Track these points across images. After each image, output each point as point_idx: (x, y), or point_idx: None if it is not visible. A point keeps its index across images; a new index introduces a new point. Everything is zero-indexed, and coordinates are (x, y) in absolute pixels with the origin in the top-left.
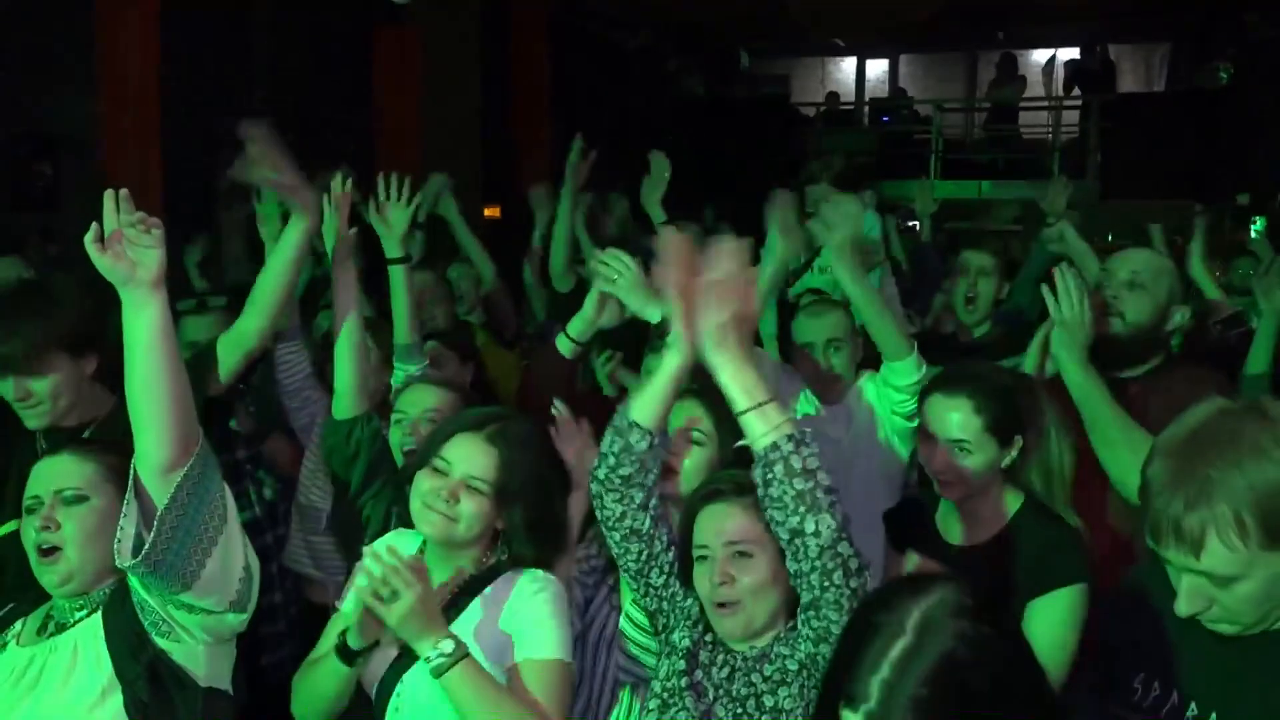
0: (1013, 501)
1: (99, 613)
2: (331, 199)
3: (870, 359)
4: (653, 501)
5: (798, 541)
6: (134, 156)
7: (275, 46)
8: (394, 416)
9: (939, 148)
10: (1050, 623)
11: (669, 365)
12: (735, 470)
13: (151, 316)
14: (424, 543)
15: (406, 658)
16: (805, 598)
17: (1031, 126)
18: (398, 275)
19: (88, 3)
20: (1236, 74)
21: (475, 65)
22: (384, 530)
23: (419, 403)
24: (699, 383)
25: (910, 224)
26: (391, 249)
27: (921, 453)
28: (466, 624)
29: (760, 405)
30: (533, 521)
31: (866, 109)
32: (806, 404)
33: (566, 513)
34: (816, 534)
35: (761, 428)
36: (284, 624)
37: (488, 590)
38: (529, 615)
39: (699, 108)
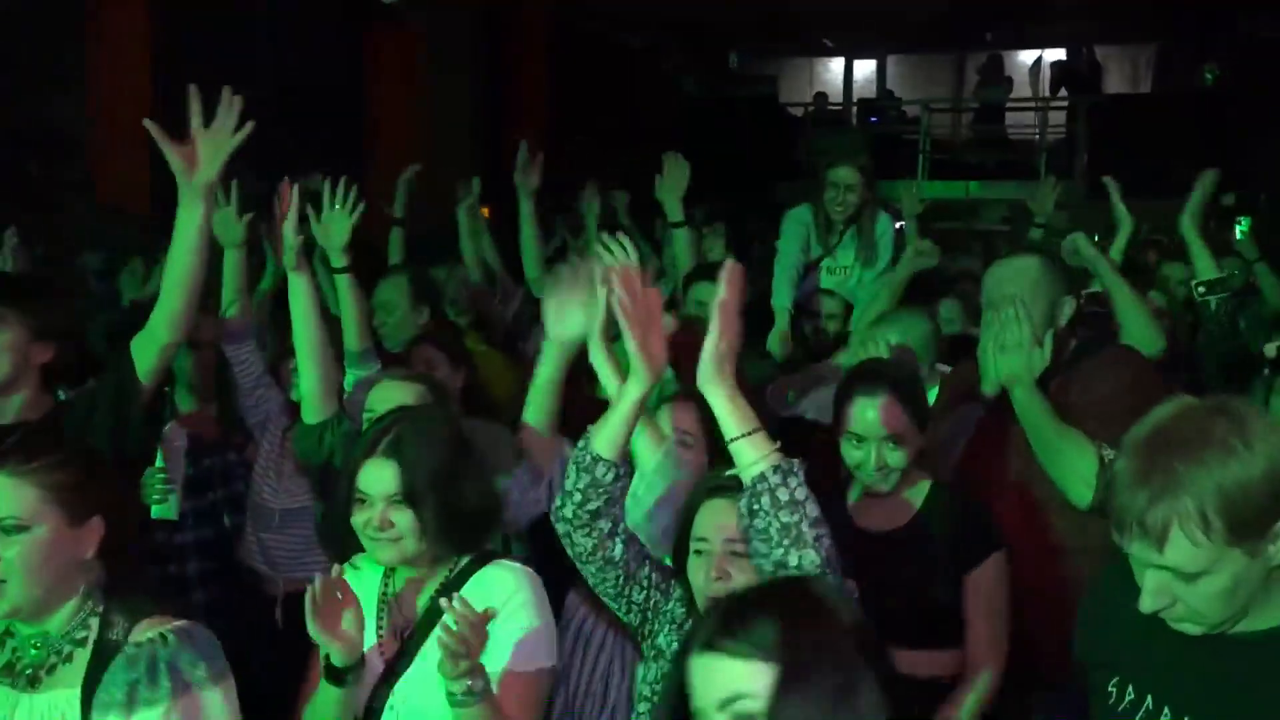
0: (922, 485)
1: (77, 689)
2: (280, 206)
3: None
4: (620, 526)
5: (781, 574)
6: (123, 157)
7: (267, 46)
8: (364, 414)
9: (926, 148)
10: (989, 592)
11: (630, 395)
12: (717, 471)
13: (198, 216)
14: (390, 570)
15: (396, 669)
16: None
17: (1018, 127)
18: (343, 284)
19: (78, 3)
20: (1223, 75)
21: (469, 65)
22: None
23: (387, 400)
24: (684, 386)
25: (897, 225)
26: (335, 259)
27: (848, 452)
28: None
29: (750, 434)
30: (448, 514)
31: (854, 109)
32: None
33: (489, 491)
34: (799, 568)
35: (751, 456)
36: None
37: (464, 588)
38: (513, 622)
39: (690, 107)
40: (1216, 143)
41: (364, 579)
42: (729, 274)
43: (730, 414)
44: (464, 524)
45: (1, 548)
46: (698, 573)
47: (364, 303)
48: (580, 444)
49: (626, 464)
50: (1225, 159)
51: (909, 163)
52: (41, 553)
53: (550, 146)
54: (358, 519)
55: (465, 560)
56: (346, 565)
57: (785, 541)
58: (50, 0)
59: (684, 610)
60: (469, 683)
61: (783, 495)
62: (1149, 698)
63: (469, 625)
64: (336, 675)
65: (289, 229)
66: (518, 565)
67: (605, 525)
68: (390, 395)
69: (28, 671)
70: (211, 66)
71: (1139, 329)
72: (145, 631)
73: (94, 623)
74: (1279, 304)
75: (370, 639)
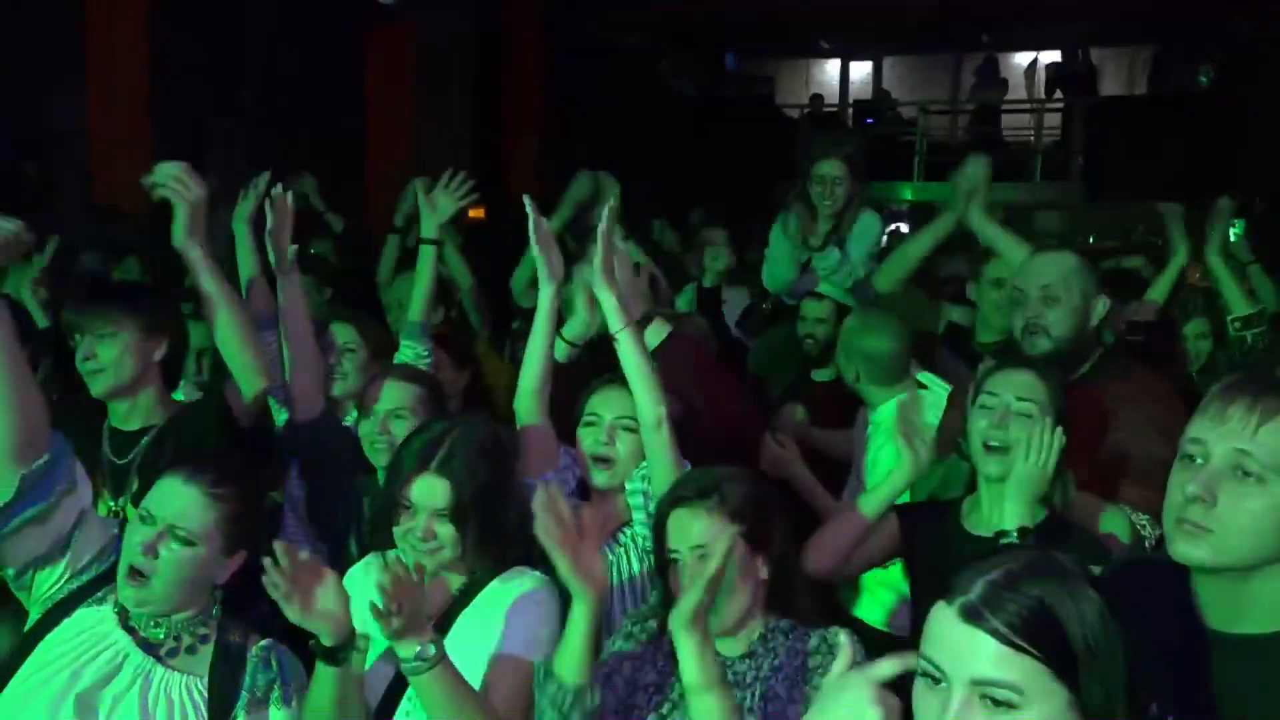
0: (1038, 510)
1: (200, 678)
2: (275, 209)
3: None
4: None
5: None
6: (122, 157)
7: (265, 46)
8: (362, 412)
9: (923, 150)
10: None
11: (581, 617)
12: (696, 471)
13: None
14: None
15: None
16: None
17: (1014, 129)
18: (426, 254)
19: (77, 3)
20: (1217, 78)
21: (467, 65)
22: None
23: (387, 399)
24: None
25: (894, 226)
26: (428, 230)
27: (978, 425)
28: (465, 628)
29: (709, 689)
30: (490, 531)
31: (850, 111)
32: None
33: (527, 508)
34: None
35: (701, 711)
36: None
37: (489, 589)
38: (521, 616)
39: (687, 108)
40: (1211, 145)
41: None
42: (546, 500)
43: (695, 664)
44: (503, 540)
45: (163, 548)
46: (674, 581)
47: (435, 279)
48: (550, 689)
49: (596, 685)
50: (1220, 162)
51: (905, 164)
52: (192, 568)
53: (546, 145)
54: (400, 527)
55: (488, 566)
56: (360, 563)
57: None
58: (49, 1)
59: (657, 675)
60: (418, 648)
61: None
62: (1153, 705)
63: (401, 584)
64: (330, 654)
65: (283, 236)
66: (544, 576)
67: None
68: (389, 394)
69: (165, 648)
70: (209, 67)
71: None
72: (260, 641)
73: (213, 624)
74: (1274, 306)
75: (380, 644)
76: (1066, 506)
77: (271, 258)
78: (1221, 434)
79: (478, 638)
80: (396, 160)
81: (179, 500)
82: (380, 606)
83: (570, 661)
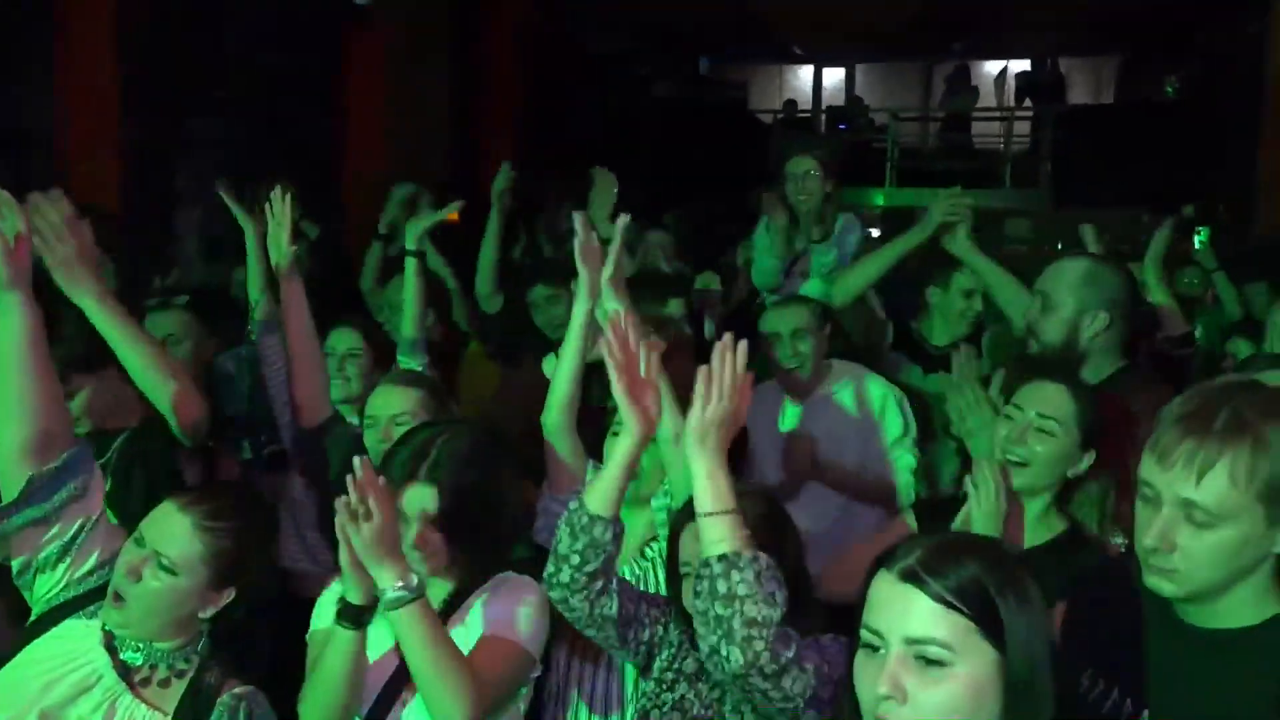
0: (1056, 523)
1: (164, 715)
2: (274, 213)
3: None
4: (612, 581)
5: (714, 659)
6: (93, 156)
7: (238, 45)
8: (365, 420)
9: (894, 156)
10: None
11: (623, 450)
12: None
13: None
14: None
15: (403, 671)
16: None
17: (984, 136)
18: (411, 267)
19: (46, 1)
20: (1183, 88)
21: (443, 67)
22: None
23: (387, 406)
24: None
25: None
26: (411, 241)
27: (999, 432)
28: (462, 631)
29: (721, 514)
30: (483, 536)
31: (824, 117)
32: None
33: (519, 512)
34: (728, 660)
35: (713, 535)
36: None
37: (476, 595)
38: (507, 605)
39: (661, 112)
40: (1176, 154)
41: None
42: (721, 348)
43: (706, 489)
44: (497, 543)
45: (147, 573)
46: (688, 594)
47: (425, 291)
48: (573, 505)
49: (619, 520)
50: (1185, 170)
51: (877, 170)
52: (171, 598)
53: (522, 149)
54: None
55: (481, 570)
56: None
57: (719, 631)
58: None
59: (682, 634)
60: (399, 580)
61: (721, 587)
62: (1128, 701)
63: (369, 486)
64: (357, 616)
65: (284, 237)
66: (528, 578)
67: (600, 584)
68: (390, 401)
69: (139, 676)
70: (181, 64)
71: (1021, 309)
72: (235, 688)
73: (195, 661)
74: (1236, 311)
75: (382, 644)
76: (1110, 523)
77: (271, 259)
78: (1168, 480)
79: (467, 629)
80: (373, 164)
81: (170, 528)
82: (372, 521)
83: (599, 492)
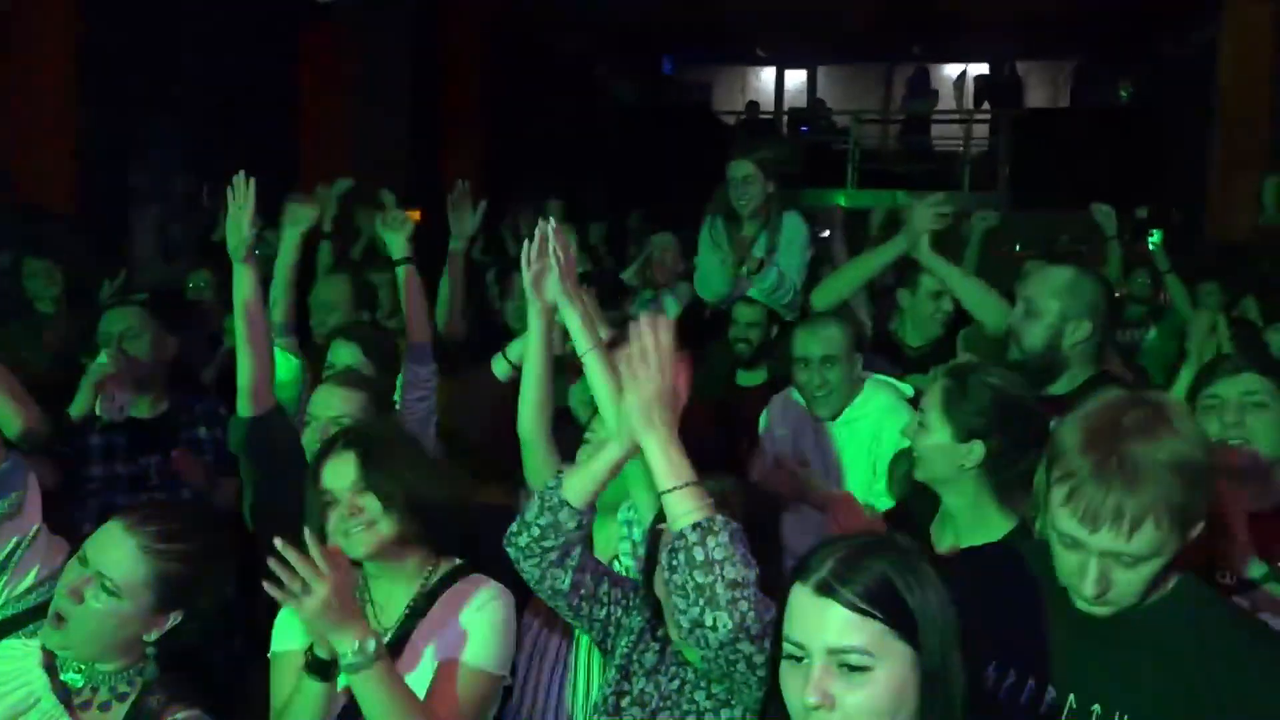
0: (1004, 523)
1: None
2: (235, 197)
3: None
4: (570, 560)
5: (698, 632)
6: (47, 154)
7: (195, 44)
8: (305, 418)
9: (856, 158)
10: None
11: (612, 454)
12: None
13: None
14: (364, 576)
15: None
16: (716, 673)
17: (944, 139)
18: (404, 275)
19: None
20: (1137, 92)
21: (404, 67)
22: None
23: (327, 407)
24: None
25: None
26: (396, 251)
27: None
28: (424, 637)
29: (682, 487)
30: (412, 496)
31: (786, 119)
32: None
33: (453, 490)
34: (714, 628)
35: (678, 509)
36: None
37: (441, 599)
38: (473, 625)
39: (625, 113)
40: (1131, 157)
41: None
42: (642, 327)
43: (662, 465)
44: (430, 511)
45: (89, 594)
46: (659, 584)
47: (423, 296)
48: (551, 483)
49: (591, 511)
50: (1139, 173)
51: (838, 172)
52: (114, 620)
53: (485, 149)
54: (330, 522)
55: (442, 571)
56: None
57: (701, 601)
58: None
59: (644, 623)
60: (356, 643)
61: (698, 554)
62: (1030, 679)
63: (301, 561)
64: (324, 670)
65: (245, 222)
66: (496, 584)
67: (554, 556)
68: (330, 402)
69: (80, 699)
70: (137, 63)
71: (989, 312)
72: (178, 713)
73: (138, 683)
74: (1189, 313)
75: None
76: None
77: (229, 245)
78: (1097, 540)
79: (442, 643)
80: (333, 164)
81: (115, 549)
82: (313, 593)
83: (578, 482)
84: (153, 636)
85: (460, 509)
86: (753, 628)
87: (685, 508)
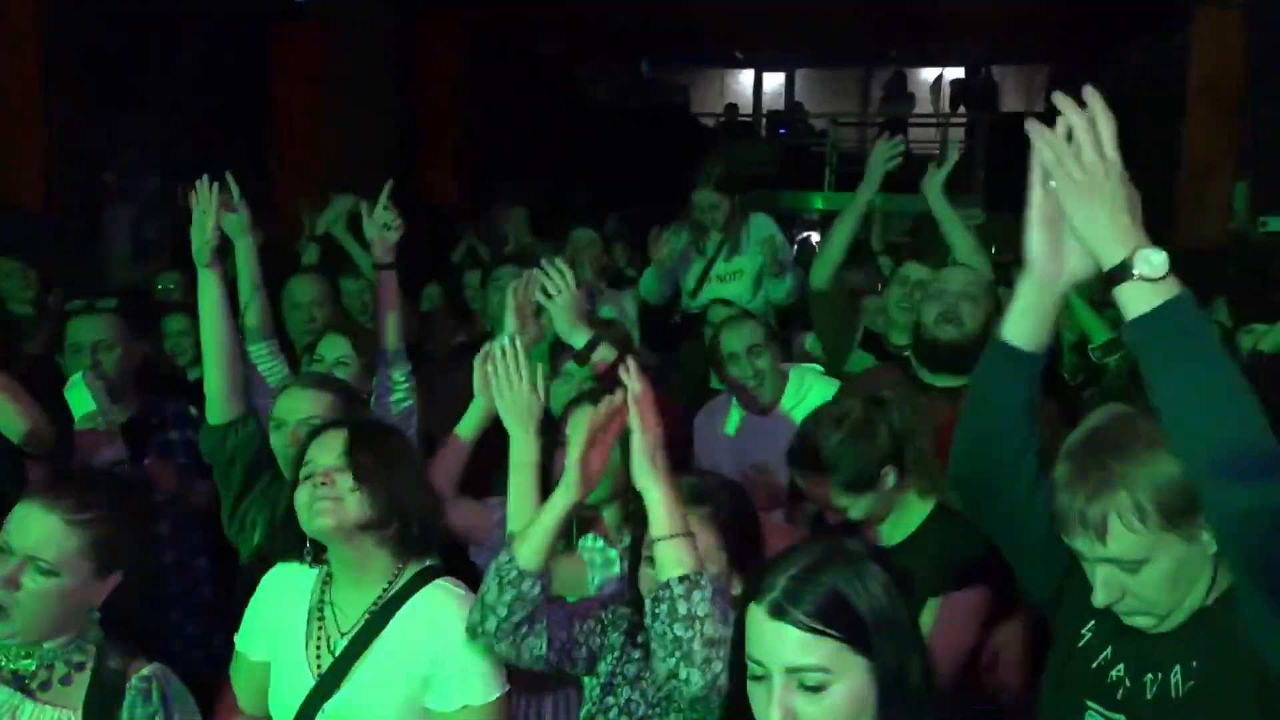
0: (923, 506)
1: (74, 712)
2: (199, 200)
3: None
4: (539, 622)
5: (673, 682)
6: (14, 151)
7: (165, 40)
8: (272, 422)
9: (833, 160)
10: (945, 622)
11: (558, 506)
12: (694, 475)
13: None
14: (328, 575)
15: (322, 686)
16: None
17: (921, 142)
18: (386, 280)
19: None
20: (1109, 99)
21: (382, 67)
22: (268, 537)
23: (295, 409)
24: (594, 389)
25: (805, 235)
26: (382, 256)
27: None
28: (386, 646)
29: (675, 537)
30: (388, 492)
31: (764, 121)
32: (736, 412)
33: (430, 498)
34: (687, 683)
35: (668, 558)
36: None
37: (405, 610)
38: (452, 654)
39: (603, 116)
40: None
41: (299, 583)
42: (632, 379)
43: (661, 514)
44: (404, 514)
45: (26, 579)
46: (646, 579)
47: (399, 301)
48: (503, 558)
49: (549, 574)
50: None
51: (816, 174)
52: (58, 598)
53: (463, 151)
54: (301, 490)
55: (408, 575)
56: (280, 564)
57: (677, 654)
58: None
59: (623, 636)
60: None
61: (682, 608)
62: (1109, 649)
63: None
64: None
65: (207, 225)
66: (462, 589)
67: (525, 628)
68: (298, 404)
69: (37, 680)
70: (105, 60)
71: (966, 253)
72: (142, 669)
73: (91, 650)
74: None
75: (300, 650)
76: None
77: (193, 247)
78: (1082, 546)
79: (405, 655)
80: (308, 164)
81: (37, 529)
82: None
83: (530, 546)
84: (98, 602)
85: (434, 523)
86: (724, 687)
87: (675, 558)
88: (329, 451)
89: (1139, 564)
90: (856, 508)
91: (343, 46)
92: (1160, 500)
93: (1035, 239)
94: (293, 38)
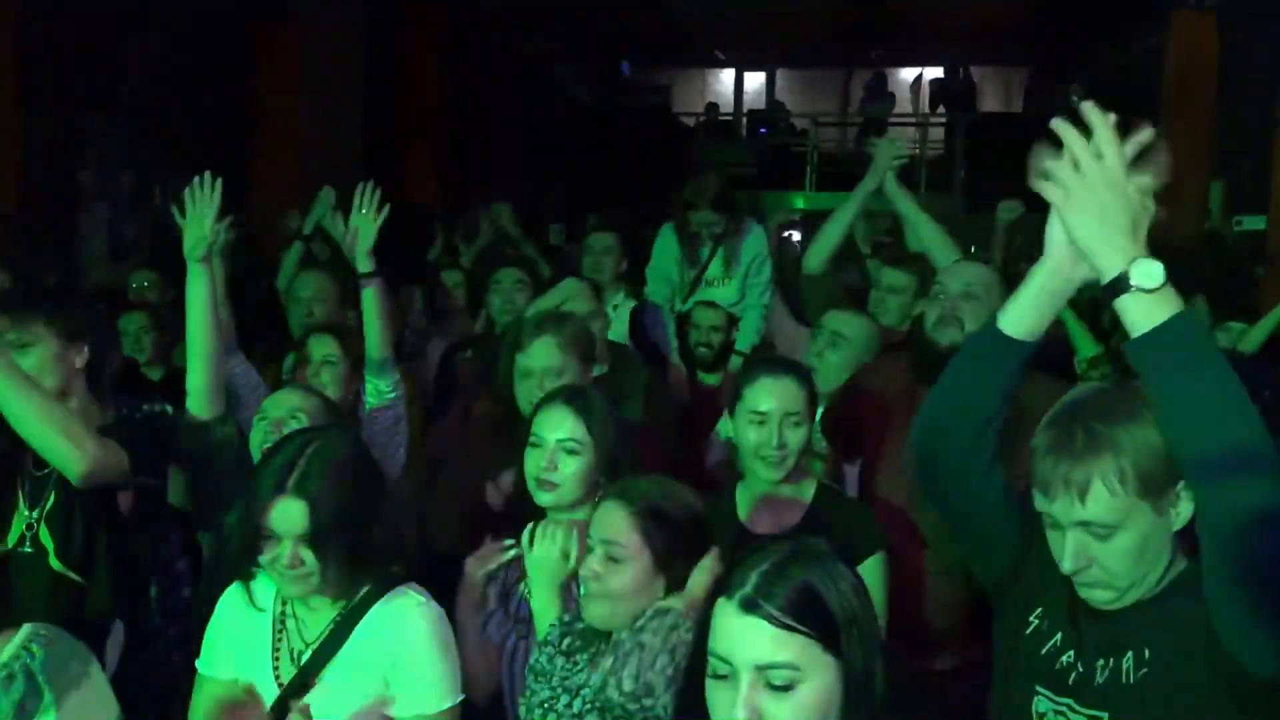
0: (808, 485)
1: None
2: (198, 196)
3: None
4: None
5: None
6: None
7: (144, 40)
8: (256, 416)
9: (814, 160)
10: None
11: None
12: (652, 478)
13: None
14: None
15: (291, 693)
16: None
17: (900, 142)
18: (370, 290)
19: None
20: (1087, 98)
21: (362, 67)
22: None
23: (284, 402)
24: (568, 391)
25: (787, 234)
26: (362, 264)
27: (746, 433)
28: (350, 654)
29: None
30: (355, 552)
31: (745, 121)
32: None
33: (395, 525)
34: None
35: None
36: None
37: (368, 616)
38: (411, 662)
39: (584, 115)
40: None
41: (260, 595)
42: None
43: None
44: (371, 559)
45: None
46: (589, 564)
47: (387, 309)
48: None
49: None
50: None
51: (797, 174)
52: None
53: (443, 152)
54: (266, 555)
55: (372, 583)
56: (227, 594)
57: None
58: None
59: (559, 631)
60: None
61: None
62: (1058, 635)
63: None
64: None
65: (206, 222)
66: (422, 597)
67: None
68: (287, 399)
69: None
70: (83, 61)
71: (939, 250)
72: (5, 649)
73: None
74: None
75: (266, 661)
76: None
77: (186, 244)
78: (1059, 509)
79: (367, 664)
80: (286, 164)
81: None
82: None
83: None
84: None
85: (399, 548)
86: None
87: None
88: (289, 521)
89: (1111, 530)
90: None
91: (323, 47)
92: (1141, 467)
93: (1057, 231)
94: (272, 36)
